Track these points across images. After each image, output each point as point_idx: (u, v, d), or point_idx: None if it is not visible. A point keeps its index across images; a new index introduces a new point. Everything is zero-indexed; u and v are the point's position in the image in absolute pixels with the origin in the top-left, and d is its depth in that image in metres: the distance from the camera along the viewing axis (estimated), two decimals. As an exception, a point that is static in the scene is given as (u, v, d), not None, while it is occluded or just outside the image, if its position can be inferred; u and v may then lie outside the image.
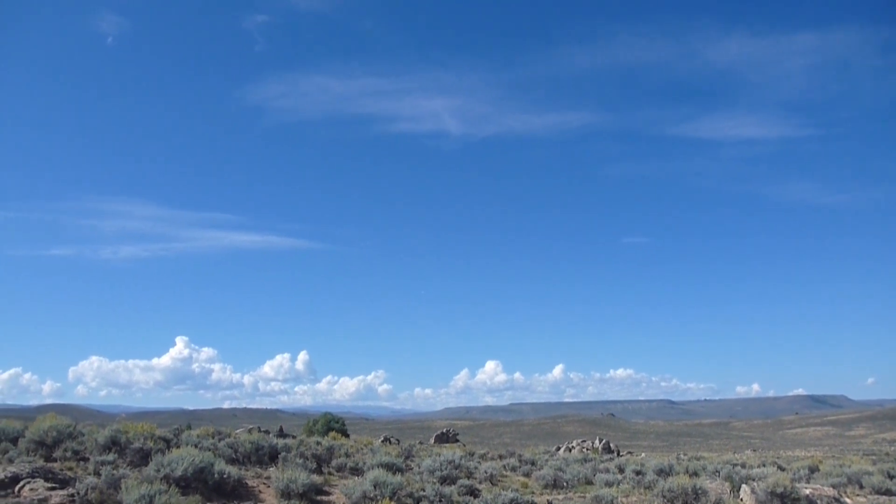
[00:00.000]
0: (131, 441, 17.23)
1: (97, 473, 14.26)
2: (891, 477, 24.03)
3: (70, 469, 15.16)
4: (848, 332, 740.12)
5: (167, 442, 18.59)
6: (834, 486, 21.14)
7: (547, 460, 29.86)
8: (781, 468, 27.41)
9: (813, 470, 26.50)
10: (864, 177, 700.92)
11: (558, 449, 53.36)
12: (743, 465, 28.18)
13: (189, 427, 33.93)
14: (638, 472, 23.47)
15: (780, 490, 16.66)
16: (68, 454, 16.50)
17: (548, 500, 17.73)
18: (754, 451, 75.25)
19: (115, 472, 13.81)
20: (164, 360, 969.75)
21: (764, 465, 28.49)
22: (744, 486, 18.01)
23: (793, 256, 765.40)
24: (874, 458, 43.51)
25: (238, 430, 33.70)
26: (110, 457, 16.04)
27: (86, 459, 16.29)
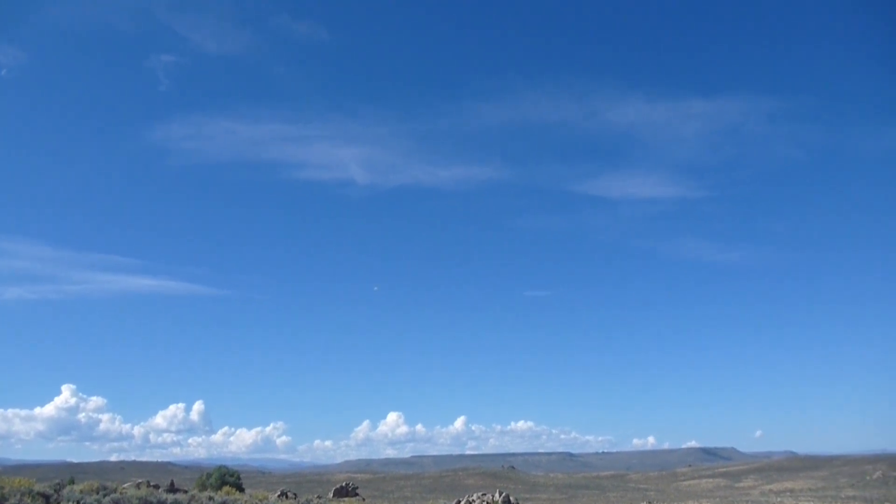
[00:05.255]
0: (6, 497, 16.43)
1: (-33, 533, 13.45)
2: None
3: (-65, 528, 14.22)
4: (736, 385, 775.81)
5: (47, 498, 17.79)
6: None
7: (446, 514, 29.85)
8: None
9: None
10: (753, 237, 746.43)
11: (458, 502, 53.23)
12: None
13: (72, 481, 32.12)
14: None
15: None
16: (-66, 512, 15.49)
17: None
18: (650, 503, 77.36)
19: (-13, 530, 13.09)
20: (48, 410, 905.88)
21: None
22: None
23: (687, 311, 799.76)
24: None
25: (125, 485, 32.17)
26: (-18, 514, 15.18)
27: (-46, 517, 15.33)
